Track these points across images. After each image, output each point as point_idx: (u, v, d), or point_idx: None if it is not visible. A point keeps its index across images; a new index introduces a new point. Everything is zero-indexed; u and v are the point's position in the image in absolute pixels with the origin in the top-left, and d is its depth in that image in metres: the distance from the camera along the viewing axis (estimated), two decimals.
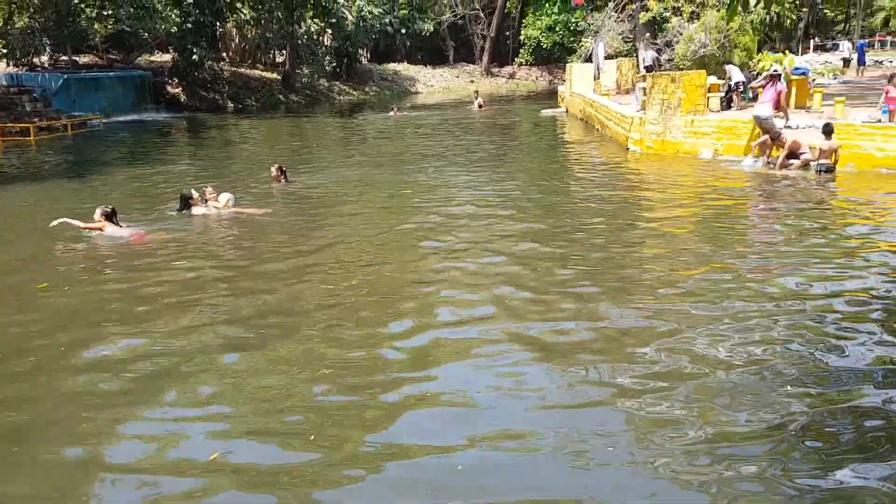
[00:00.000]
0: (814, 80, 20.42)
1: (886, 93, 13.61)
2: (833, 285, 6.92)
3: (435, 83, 52.22)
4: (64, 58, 33.02)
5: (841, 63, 34.84)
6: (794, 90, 17.14)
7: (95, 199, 12.79)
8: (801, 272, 7.42)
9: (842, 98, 15.73)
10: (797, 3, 40.81)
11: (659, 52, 25.28)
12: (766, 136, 13.78)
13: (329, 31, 40.77)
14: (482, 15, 56.33)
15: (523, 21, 54.09)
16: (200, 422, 4.76)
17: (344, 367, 5.48)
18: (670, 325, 6.04)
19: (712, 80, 17.78)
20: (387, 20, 46.47)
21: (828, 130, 12.89)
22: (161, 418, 4.83)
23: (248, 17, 37.83)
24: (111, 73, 31.31)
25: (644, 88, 17.31)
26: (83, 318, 6.71)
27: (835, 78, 28.55)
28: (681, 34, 22.84)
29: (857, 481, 3.93)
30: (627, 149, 16.93)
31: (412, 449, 4.39)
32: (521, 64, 56.31)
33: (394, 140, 22.08)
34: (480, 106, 31.71)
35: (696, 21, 23.00)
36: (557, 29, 50.41)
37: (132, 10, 26.77)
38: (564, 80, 32.30)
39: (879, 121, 13.40)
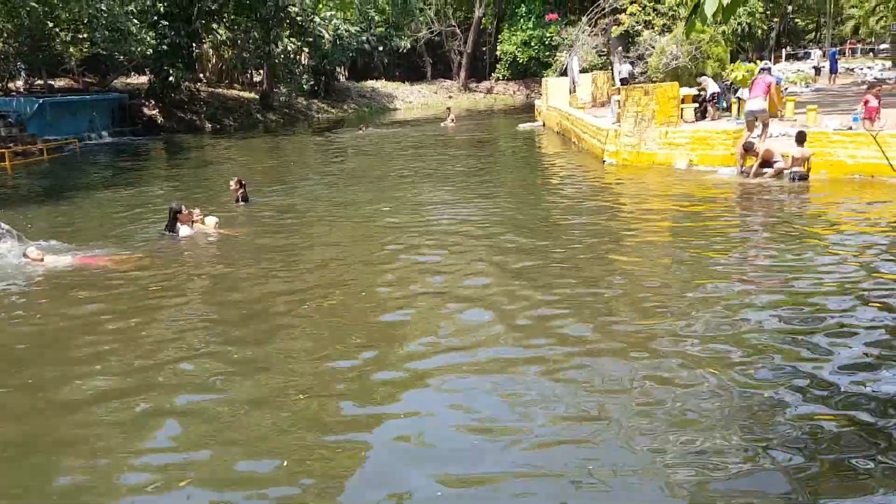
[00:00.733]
0: (786, 88, 20.73)
1: (866, 102, 13.69)
2: (818, 297, 6.98)
3: (413, 99, 52.40)
4: (39, 82, 32.83)
5: (813, 71, 35.37)
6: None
7: (73, 222, 12.72)
8: (783, 282, 7.51)
9: (814, 106, 15.97)
10: (768, 13, 41.41)
11: (632, 64, 25.55)
12: (742, 145, 13.96)
13: (306, 49, 40.83)
14: (458, 31, 56.73)
15: (499, 37, 54.48)
16: (171, 452, 4.73)
17: (327, 395, 5.46)
18: (661, 341, 6.08)
19: (686, 90, 17.98)
20: (364, 38, 46.62)
21: (801, 138, 13.06)
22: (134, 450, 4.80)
23: (225, 38, 37.82)
24: (87, 97, 31.12)
25: (619, 101, 17.48)
26: (57, 346, 6.65)
27: (807, 86, 28.99)
28: (653, 47, 23.10)
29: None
30: (604, 161, 17.04)
31: (395, 477, 4.38)
32: (498, 79, 56.65)
33: (371, 157, 22.10)
34: (453, 121, 31.79)
35: (667, 34, 23.27)
36: (533, 44, 50.83)
37: (107, 33, 26.63)
38: (541, 94, 32.51)
39: (850, 128, 13.59)
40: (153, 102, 34.24)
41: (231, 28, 37.06)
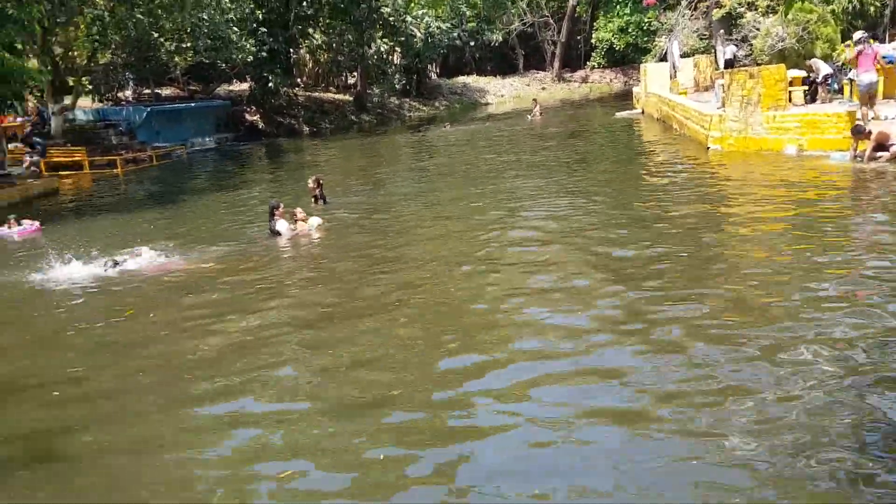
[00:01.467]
0: None
1: None
2: None
3: (505, 93, 51.98)
4: (147, 91, 34.31)
5: None
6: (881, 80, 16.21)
7: (183, 224, 13.17)
8: None
9: None
10: None
11: (736, 46, 24.42)
12: (853, 129, 13.06)
13: (398, 49, 41.13)
14: (552, 21, 55.80)
15: (594, 24, 53.30)
16: (274, 447, 4.70)
17: (429, 401, 5.35)
18: (779, 346, 5.67)
19: (794, 73, 16.99)
20: (455, 34, 46.54)
21: None
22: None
23: (320, 42, 38.52)
24: (192, 104, 32.35)
25: (723, 85, 16.70)
26: (162, 345, 6.81)
27: None
28: (757, 29, 21.99)
29: None
30: (708, 148, 16.33)
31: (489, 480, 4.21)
32: (593, 67, 55.48)
33: (460, 153, 21.97)
34: (540, 114, 31.14)
35: (772, 15, 22.10)
36: (630, 30, 49.42)
37: (209, 41, 27.54)
38: (639, 81, 31.57)
39: None
40: (254, 108, 35.26)
41: (326, 32, 37.68)
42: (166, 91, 35.60)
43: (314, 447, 4.72)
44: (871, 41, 14.14)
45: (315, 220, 11.36)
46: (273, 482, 4.36)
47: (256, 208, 14.09)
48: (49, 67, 23.84)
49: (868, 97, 13.26)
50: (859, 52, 13.60)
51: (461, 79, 53.15)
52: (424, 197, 14.01)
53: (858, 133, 12.88)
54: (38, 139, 23.92)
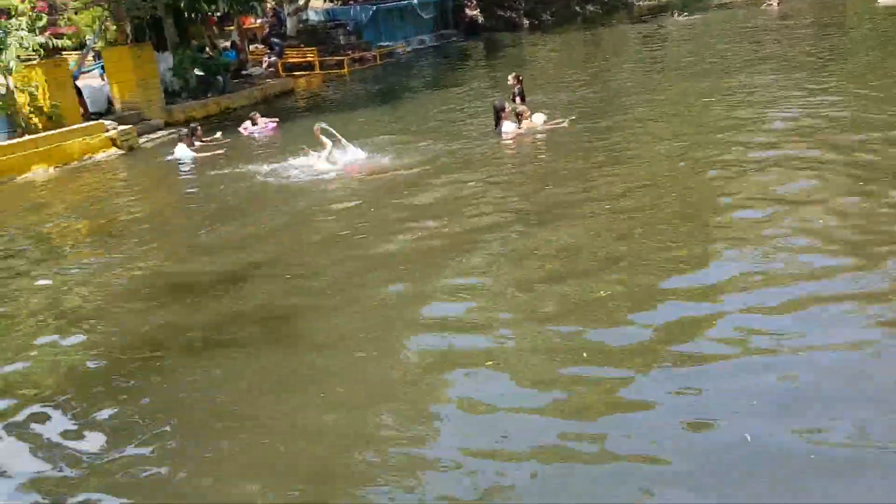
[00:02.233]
0: None
1: None
2: None
3: None
4: None
5: None
6: None
7: (405, 122, 13.33)
8: None
9: None
10: None
11: None
12: None
13: None
14: None
15: None
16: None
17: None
18: None
19: None
20: None
21: None
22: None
23: None
24: (414, 1, 32.47)
25: None
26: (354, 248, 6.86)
27: None
28: None
29: None
30: None
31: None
32: None
33: (692, 45, 20.16)
34: (779, 2, 27.54)
35: None
36: None
37: None
38: None
39: None
40: (474, 3, 34.72)
41: None
42: None
43: (513, 355, 4.47)
44: None
45: (539, 117, 10.89)
46: (465, 388, 4.19)
47: (474, 104, 13.89)
48: None
49: None
50: None
51: None
52: (651, 93, 12.98)
53: None
54: (275, 40, 25.27)
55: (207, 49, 18.96)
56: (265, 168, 10.28)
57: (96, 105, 15.14)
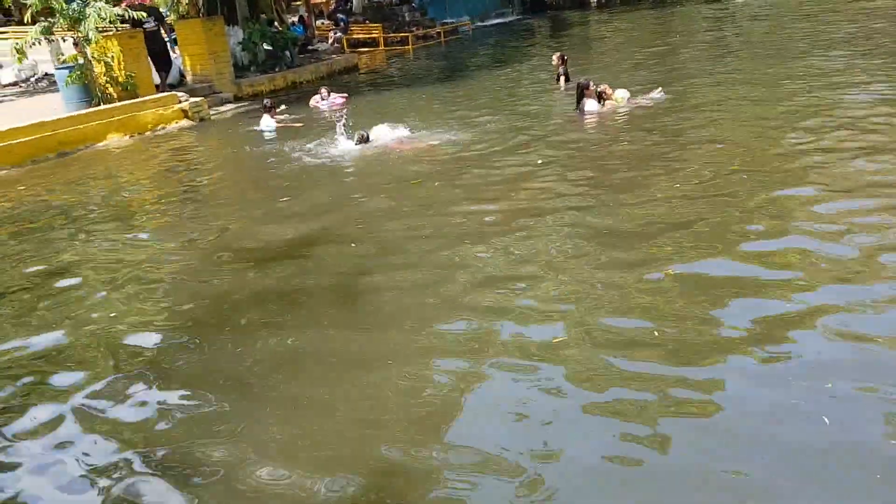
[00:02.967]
0: None
1: None
2: None
3: None
4: None
5: None
6: None
7: (468, 100, 13.31)
8: None
9: None
10: None
11: None
12: None
13: None
14: None
15: None
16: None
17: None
18: None
19: None
20: None
21: None
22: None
23: None
24: None
25: None
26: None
27: None
28: None
29: None
30: None
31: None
32: None
33: (766, 23, 19.56)
34: None
35: None
36: None
37: None
38: None
39: None
40: None
41: None
42: None
43: (580, 345, 4.45)
44: None
45: (622, 94, 10.72)
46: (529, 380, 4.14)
47: (542, 83, 13.78)
48: None
49: None
50: None
51: None
52: (723, 75, 12.61)
53: None
54: (341, 15, 25.44)
55: (276, 24, 19.17)
56: (334, 141, 10.40)
57: (170, 77, 15.49)
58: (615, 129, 9.77)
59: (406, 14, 27.08)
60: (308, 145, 10.53)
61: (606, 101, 10.57)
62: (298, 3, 26.43)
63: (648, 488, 3.16)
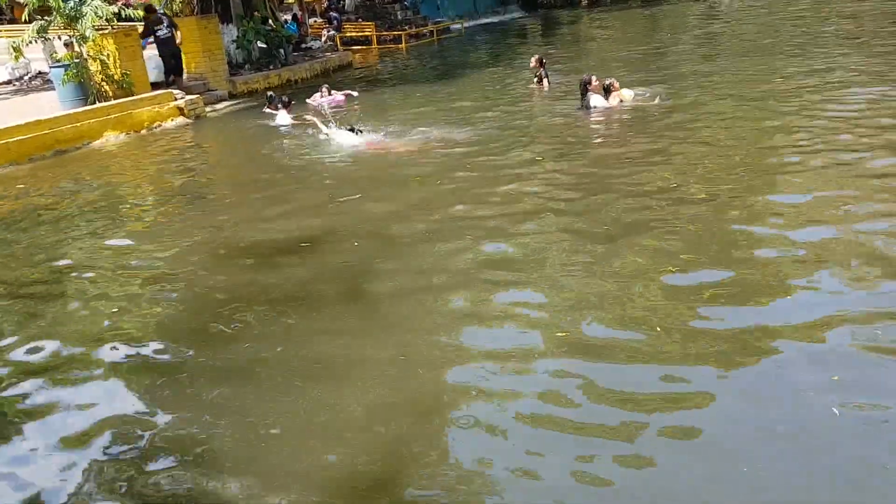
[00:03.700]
0: None
1: None
2: None
3: None
4: None
5: None
6: None
7: (459, 97, 13.38)
8: None
9: None
10: None
11: None
12: None
13: None
14: None
15: None
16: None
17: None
18: None
19: None
20: None
21: None
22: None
23: None
24: None
25: None
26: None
27: None
28: None
29: None
30: None
31: None
32: None
33: (754, 25, 19.69)
34: None
35: None
36: None
37: None
38: None
39: None
40: None
41: None
42: None
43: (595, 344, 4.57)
44: None
45: (628, 93, 10.80)
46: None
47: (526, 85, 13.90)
48: None
49: None
50: None
51: None
52: (713, 75, 12.69)
53: None
54: (334, 14, 25.47)
55: (270, 22, 19.20)
56: (335, 136, 10.48)
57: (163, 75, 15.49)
58: (620, 127, 9.88)
59: (398, 12, 27.13)
60: (311, 141, 10.63)
61: (612, 95, 10.60)
62: (292, 1, 26.44)
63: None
